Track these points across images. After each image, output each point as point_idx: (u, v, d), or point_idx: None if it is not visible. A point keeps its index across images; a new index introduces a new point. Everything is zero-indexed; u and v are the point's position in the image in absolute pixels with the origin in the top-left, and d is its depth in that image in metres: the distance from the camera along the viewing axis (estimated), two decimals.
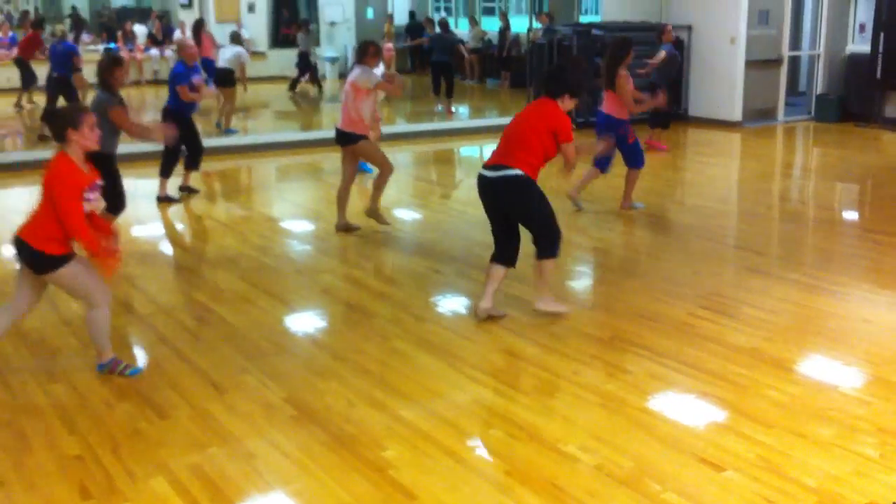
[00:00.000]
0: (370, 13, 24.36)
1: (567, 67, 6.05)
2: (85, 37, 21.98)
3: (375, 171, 8.48)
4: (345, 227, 8.33)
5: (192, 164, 9.89)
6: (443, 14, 24.36)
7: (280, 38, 23.68)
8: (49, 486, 4.02)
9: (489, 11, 24.16)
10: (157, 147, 9.31)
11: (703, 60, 14.94)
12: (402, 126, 15.19)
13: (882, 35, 14.07)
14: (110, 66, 7.29)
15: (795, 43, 16.09)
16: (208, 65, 13.63)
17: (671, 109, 12.27)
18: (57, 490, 3.98)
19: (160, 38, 22.52)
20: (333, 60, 22.15)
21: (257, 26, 22.10)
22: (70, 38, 16.56)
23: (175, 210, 9.44)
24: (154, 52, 21.80)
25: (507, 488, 3.95)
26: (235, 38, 14.98)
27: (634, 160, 8.92)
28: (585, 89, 6.06)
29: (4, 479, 4.07)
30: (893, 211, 9.34)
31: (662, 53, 11.97)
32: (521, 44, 20.36)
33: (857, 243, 8.18)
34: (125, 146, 7.81)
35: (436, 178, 11.53)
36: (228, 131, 13.90)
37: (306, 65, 19.82)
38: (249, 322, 6.10)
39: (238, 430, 4.52)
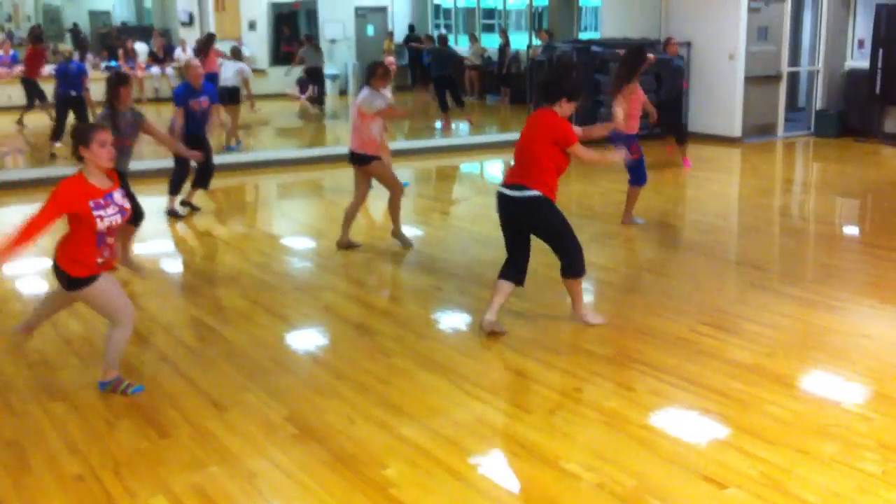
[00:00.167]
0: (370, 30, 24.43)
1: (561, 72, 6.13)
2: (90, 56, 22.04)
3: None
4: (346, 245, 8.33)
5: (201, 183, 9.91)
6: (442, 31, 24.44)
7: (281, 55, 23.75)
8: None
9: (489, 28, 24.22)
10: (162, 164, 9.33)
11: (702, 76, 14.98)
12: (402, 143, 15.20)
13: (881, 50, 14.10)
14: (116, 85, 7.30)
15: (794, 59, 16.14)
16: (212, 79, 13.58)
17: (681, 125, 12.36)
18: None
19: (161, 56, 22.58)
20: (334, 78, 22.20)
21: (258, 44, 22.16)
22: (76, 57, 16.58)
23: (176, 227, 9.44)
24: (155, 69, 21.86)
25: None
26: (236, 54, 15.01)
27: (636, 177, 8.92)
28: (581, 92, 6.07)
29: (4, 498, 4.06)
30: (894, 226, 9.34)
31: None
32: (521, 60, 20.41)
33: (858, 258, 8.17)
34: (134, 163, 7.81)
35: (436, 194, 11.53)
36: (229, 148, 13.93)
37: (315, 80, 19.88)
38: (250, 340, 6.09)
39: (239, 448, 4.51)
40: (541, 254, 7.59)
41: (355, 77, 23.09)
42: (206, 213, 9.99)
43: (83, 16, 27.11)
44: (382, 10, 24.45)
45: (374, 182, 8.53)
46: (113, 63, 21.18)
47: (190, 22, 22.91)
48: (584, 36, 20.23)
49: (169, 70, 21.78)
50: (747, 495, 3.96)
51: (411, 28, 23.36)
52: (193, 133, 9.53)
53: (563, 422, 4.79)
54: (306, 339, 6.22)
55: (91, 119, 12.62)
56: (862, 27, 15.31)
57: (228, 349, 5.91)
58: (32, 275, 7.74)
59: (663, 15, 15.43)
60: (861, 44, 15.34)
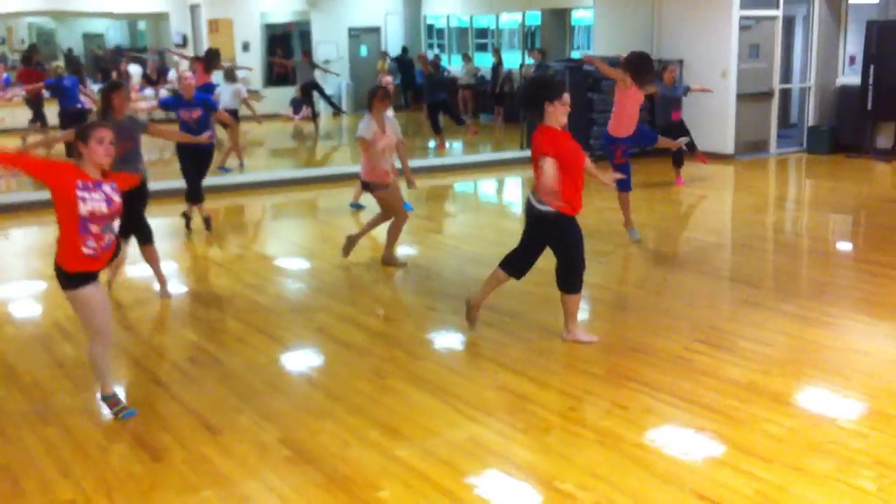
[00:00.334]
0: (364, 51, 24.52)
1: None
2: (87, 80, 22.08)
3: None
4: (389, 261, 8.44)
5: (190, 198, 9.91)
6: (436, 51, 24.52)
7: (274, 76, 23.82)
8: None
9: (482, 48, 24.29)
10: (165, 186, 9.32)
11: (694, 94, 15.01)
12: (395, 162, 15.23)
13: (872, 67, 14.17)
14: (107, 93, 7.30)
15: (786, 76, 16.20)
16: (209, 90, 13.45)
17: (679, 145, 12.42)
18: None
19: (155, 78, 22.62)
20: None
21: (252, 64, 22.21)
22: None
23: (169, 249, 9.42)
24: (149, 91, 21.90)
25: None
26: (230, 75, 15.03)
27: (621, 183, 8.94)
28: (558, 87, 6.04)
29: None
30: (887, 241, 9.35)
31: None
32: (514, 80, 20.47)
33: (852, 274, 8.18)
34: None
35: (429, 214, 11.54)
36: (223, 169, 13.92)
37: (311, 98, 20.05)
38: (243, 362, 6.07)
39: (232, 471, 4.49)
40: (535, 273, 7.57)
41: (349, 97, 23.19)
42: (199, 233, 9.97)
43: (77, 38, 27.20)
44: (376, 30, 24.56)
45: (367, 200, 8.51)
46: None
47: (184, 44, 22.99)
48: (576, 55, 20.29)
49: (163, 92, 21.81)
50: None
51: (404, 50, 23.43)
52: (184, 144, 9.55)
53: (557, 441, 4.78)
54: (300, 361, 6.20)
55: None
56: (853, 43, 15.39)
57: (221, 371, 5.90)
58: (25, 298, 7.73)
59: (655, 33, 15.50)
60: (852, 60, 15.42)
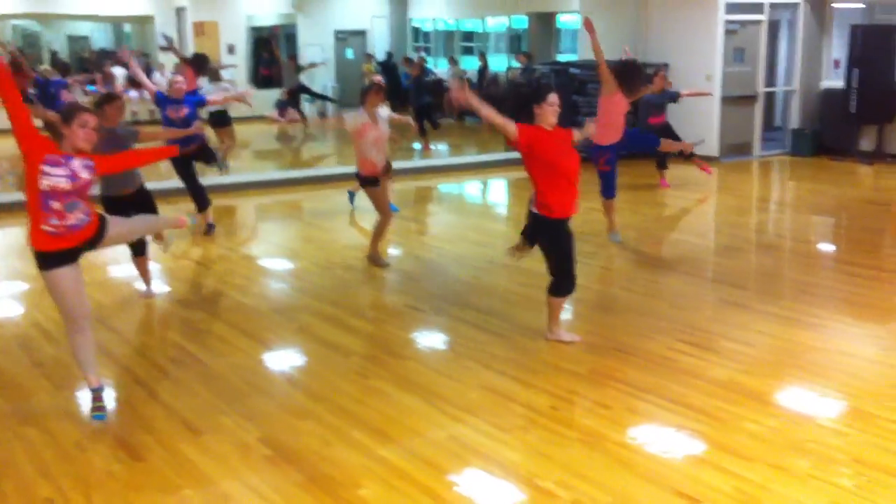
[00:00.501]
0: (349, 53, 24.50)
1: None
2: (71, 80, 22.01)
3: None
4: (373, 260, 8.44)
5: (199, 205, 9.92)
6: (422, 54, 24.52)
7: (260, 78, 23.78)
8: None
9: (468, 51, 24.31)
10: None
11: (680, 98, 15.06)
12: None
13: (856, 70, 14.22)
14: (101, 104, 7.28)
15: (771, 79, 16.25)
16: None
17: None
18: None
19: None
20: (312, 100, 22.25)
21: (237, 67, 22.16)
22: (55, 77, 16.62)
23: (153, 249, 9.37)
24: (133, 93, 21.80)
25: None
26: (214, 75, 14.99)
27: (602, 189, 8.97)
28: (542, 88, 6.05)
29: None
30: (869, 244, 9.41)
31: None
32: (500, 83, 20.49)
33: (834, 276, 8.21)
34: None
35: (414, 215, 11.53)
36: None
37: (304, 96, 20.10)
38: (226, 362, 6.05)
39: (213, 471, 4.47)
40: (519, 273, 7.61)
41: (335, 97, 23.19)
42: (183, 234, 9.92)
43: (62, 40, 27.09)
44: (362, 33, 24.55)
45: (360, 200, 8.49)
46: (91, 88, 21.12)
47: (169, 46, 22.87)
48: (562, 58, 20.32)
49: (146, 94, 21.69)
50: None
51: (389, 55, 23.37)
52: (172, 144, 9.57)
53: (539, 440, 4.77)
54: (282, 361, 6.18)
55: None
56: (837, 47, 15.46)
57: (203, 371, 5.87)
58: (5, 298, 7.69)
59: (642, 37, 15.53)
60: (836, 64, 15.49)
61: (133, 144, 7.39)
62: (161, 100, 9.62)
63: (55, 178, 4.72)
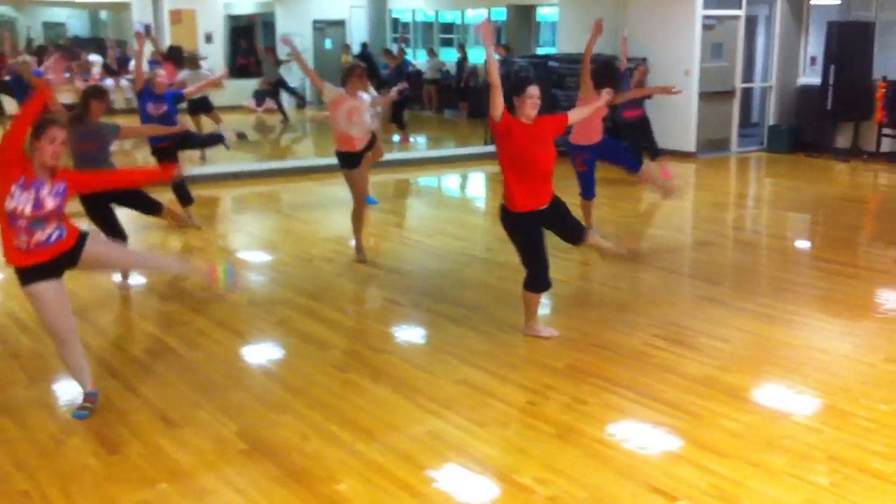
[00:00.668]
0: (328, 44, 24.40)
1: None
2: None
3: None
4: (358, 252, 8.43)
5: (182, 201, 9.87)
6: (402, 45, 24.45)
7: (237, 68, 23.66)
8: None
9: (447, 43, 24.30)
10: None
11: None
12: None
13: (832, 67, 14.31)
14: (88, 98, 7.21)
15: (748, 75, 16.34)
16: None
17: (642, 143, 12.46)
18: None
19: (115, 68, 22.37)
20: (293, 91, 22.16)
21: (215, 56, 22.06)
22: (34, 65, 16.41)
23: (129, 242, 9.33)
24: (109, 81, 21.65)
25: None
26: (193, 62, 14.91)
27: (581, 190, 8.98)
28: (520, 81, 6.05)
29: None
30: (844, 241, 9.48)
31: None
32: (479, 75, 20.49)
33: (810, 272, 8.27)
34: None
35: (393, 208, 11.52)
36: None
37: (277, 92, 20.02)
38: (203, 355, 6.03)
39: (189, 465, 4.46)
40: (496, 267, 7.61)
41: (312, 89, 23.08)
42: (159, 226, 9.86)
43: (37, 27, 26.83)
44: (341, 23, 24.45)
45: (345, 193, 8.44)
46: (66, 75, 20.91)
47: (146, 34, 22.71)
48: (541, 51, 20.36)
49: (123, 82, 21.59)
50: None
51: (364, 46, 23.20)
52: (153, 144, 9.53)
53: (516, 435, 4.79)
54: (260, 354, 6.17)
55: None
56: (814, 44, 15.55)
57: (180, 364, 5.85)
58: None
59: (620, 31, 15.54)
60: (813, 61, 15.58)
61: (112, 140, 7.33)
62: (144, 93, 9.56)
63: (18, 202, 4.68)
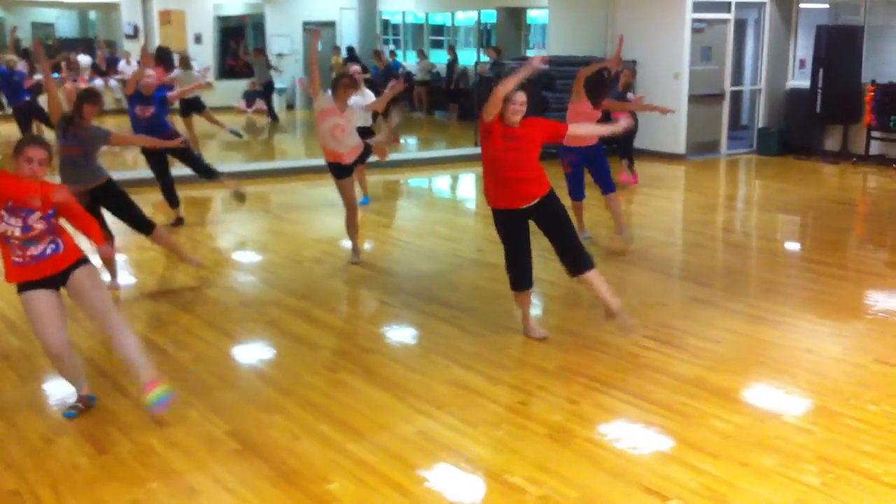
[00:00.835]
0: (318, 45, 24.33)
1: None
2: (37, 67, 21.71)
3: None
4: (354, 254, 8.41)
5: (170, 202, 9.87)
6: (391, 46, 24.46)
7: (227, 68, 23.62)
8: None
9: (437, 45, 24.31)
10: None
11: (647, 95, 15.05)
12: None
13: (821, 70, 14.36)
14: (81, 101, 7.18)
15: (738, 78, 16.38)
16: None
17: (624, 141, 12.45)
18: None
19: (104, 69, 22.31)
20: (281, 92, 22.13)
21: (204, 57, 22.01)
22: (21, 66, 16.35)
23: (118, 241, 9.29)
24: (98, 82, 21.60)
25: None
26: (185, 63, 14.90)
27: (569, 191, 8.98)
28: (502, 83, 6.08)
29: None
30: (833, 242, 9.52)
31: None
32: (469, 77, 20.51)
33: (800, 274, 8.30)
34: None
35: (383, 209, 11.51)
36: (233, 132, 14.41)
37: (266, 94, 19.99)
38: (193, 355, 6.02)
39: (180, 465, 4.44)
40: (486, 268, 7.63)
41: (302, 92, 23.06)
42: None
43: (26, 27, 26.70)
44: (331, 24, 24.42)
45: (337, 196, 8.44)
46: (55, 76, 20.86)
47: (135, 34, 22.67)
48: (531, 53, 20.37)
49: (112, 82, 21.54)
50: None
51: (350, 50, 23.03)
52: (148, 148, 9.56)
53: (507, 436, 4.79)
54: (250, 355, 6.16)
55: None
56: (803, 47, 15.60)
57: (171, 364, 5.83)
58: None
59: (609, 34, 15.59)
60: (802, 64, 15.63)
61: (100, 147, 7.30)
62: (133, 95, 9.54)
63: (7, 225, 4.68)
